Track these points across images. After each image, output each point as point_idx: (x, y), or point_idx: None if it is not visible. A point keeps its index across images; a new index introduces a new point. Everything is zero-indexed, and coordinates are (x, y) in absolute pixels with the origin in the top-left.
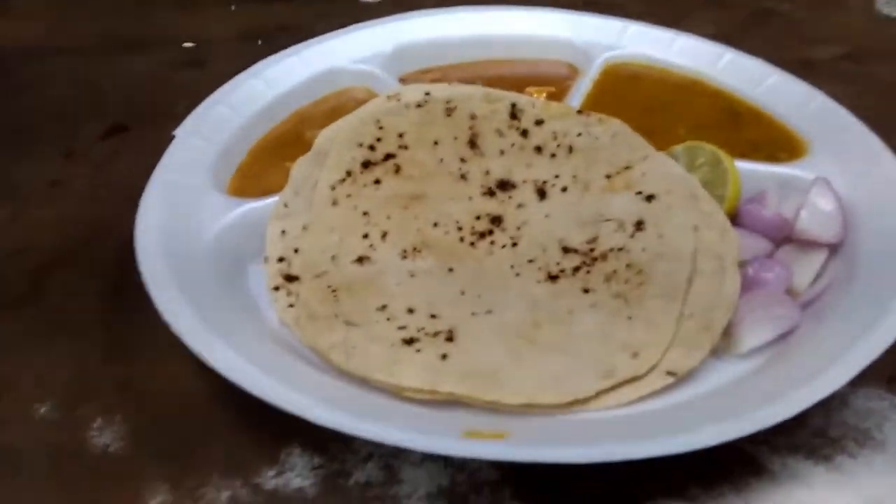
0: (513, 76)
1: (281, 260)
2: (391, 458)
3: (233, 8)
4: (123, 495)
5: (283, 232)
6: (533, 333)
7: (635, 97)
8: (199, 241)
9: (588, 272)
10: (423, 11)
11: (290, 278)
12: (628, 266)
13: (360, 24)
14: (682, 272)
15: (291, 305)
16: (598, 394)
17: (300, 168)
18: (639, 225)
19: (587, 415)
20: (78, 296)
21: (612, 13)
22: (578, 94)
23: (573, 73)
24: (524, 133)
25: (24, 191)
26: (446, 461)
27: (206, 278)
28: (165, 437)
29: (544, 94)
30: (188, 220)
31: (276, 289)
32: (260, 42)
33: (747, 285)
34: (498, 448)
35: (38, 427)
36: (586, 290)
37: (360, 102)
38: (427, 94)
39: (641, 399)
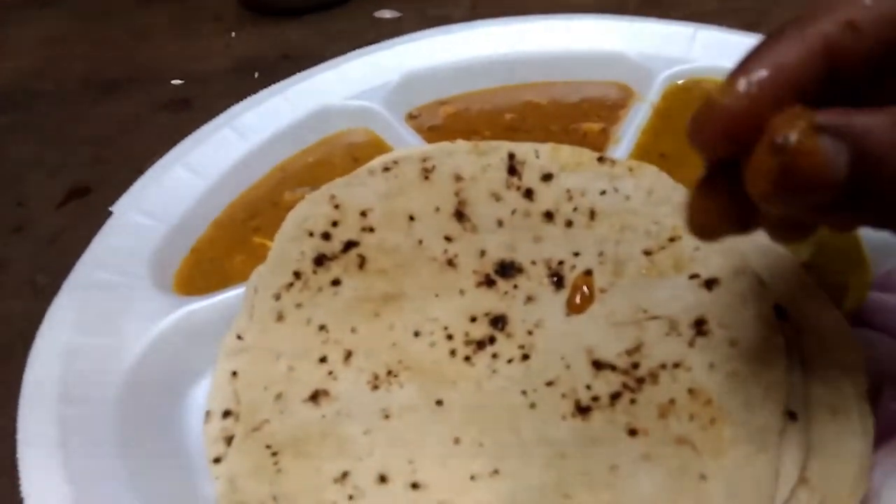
0: (550, 103)
1: (227, 415)
2: None
3: (233, 35)
4: None
5: (235, 374)
6: None
7: None
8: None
9: (633, 401)
10: (437, 29)
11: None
12: (691, 392)
13: (359, 51)
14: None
15: None
16: None
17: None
18: (699, 325)
19: None
20: None
21: (676, 16)
22: (632, 127)
23: (627, 96)
24: (528, 194)
25: None
26: None
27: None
28: None
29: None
30: (107, 340)
31: (217, 461)
32: (257, 74)
33: (887, 426)
34: None
35: None
36: (633, 432)
37: (357, 148)
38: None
39: None
